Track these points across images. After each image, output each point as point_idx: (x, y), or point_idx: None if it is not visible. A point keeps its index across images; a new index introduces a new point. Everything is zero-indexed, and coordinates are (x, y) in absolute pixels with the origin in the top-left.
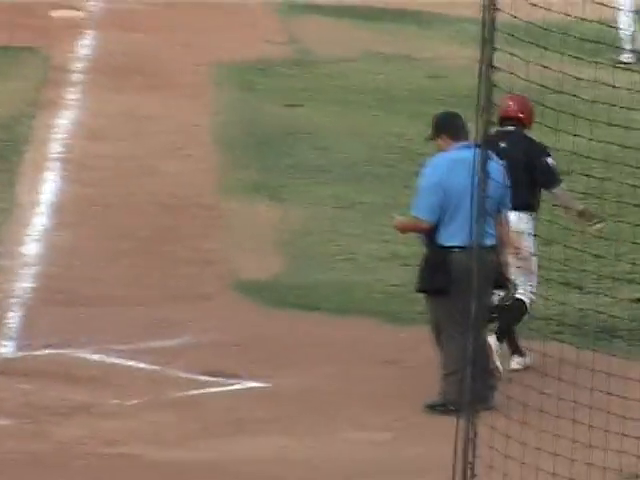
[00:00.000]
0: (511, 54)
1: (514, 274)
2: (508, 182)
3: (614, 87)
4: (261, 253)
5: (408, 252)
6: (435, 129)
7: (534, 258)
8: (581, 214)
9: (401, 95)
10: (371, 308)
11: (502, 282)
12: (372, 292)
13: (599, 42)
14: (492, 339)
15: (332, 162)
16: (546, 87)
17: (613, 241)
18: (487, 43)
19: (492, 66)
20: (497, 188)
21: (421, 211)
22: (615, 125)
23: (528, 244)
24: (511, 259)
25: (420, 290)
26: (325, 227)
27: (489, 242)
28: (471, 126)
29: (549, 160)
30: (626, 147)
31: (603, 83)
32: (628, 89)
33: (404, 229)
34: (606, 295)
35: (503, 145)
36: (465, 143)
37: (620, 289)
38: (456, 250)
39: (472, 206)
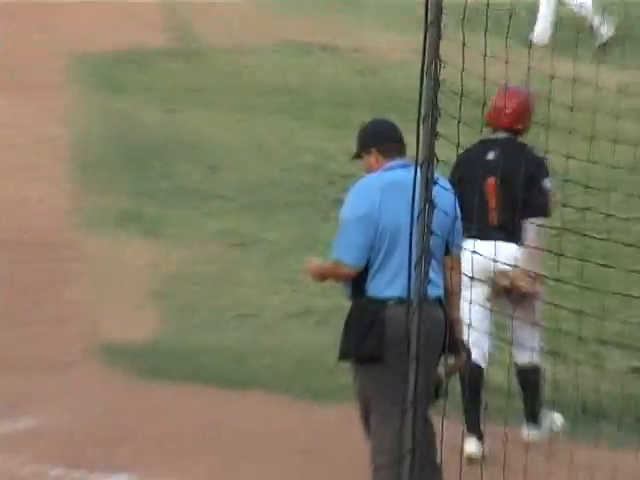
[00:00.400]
0: (464, 44)
1: (520, 329)
2: (459, 213)
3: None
4: (133, 307)
5: (327, 306)
6: (362, 143)
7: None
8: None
9: (321, 97)
10: (277, 380)
11: (451, 346)
12: (279, 359)
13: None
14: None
15: (226, 186)
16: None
17: (599, 293)
18: (432, 29)
19: (438, 59)
20: (445, 222)
21: (344, 252)
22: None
23: (538, 286)
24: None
25: (344, 357)
26: (215, 272)
27: (435, 293)
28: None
29: (547, 182)
30: (615, 167)
31: (584, 83)
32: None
33: (322, 276)
34: (590, 363)
35: (492, 156)
36: (402, 161)
37: (608, 356)
38: (391, 304)
39: (412, 246)
